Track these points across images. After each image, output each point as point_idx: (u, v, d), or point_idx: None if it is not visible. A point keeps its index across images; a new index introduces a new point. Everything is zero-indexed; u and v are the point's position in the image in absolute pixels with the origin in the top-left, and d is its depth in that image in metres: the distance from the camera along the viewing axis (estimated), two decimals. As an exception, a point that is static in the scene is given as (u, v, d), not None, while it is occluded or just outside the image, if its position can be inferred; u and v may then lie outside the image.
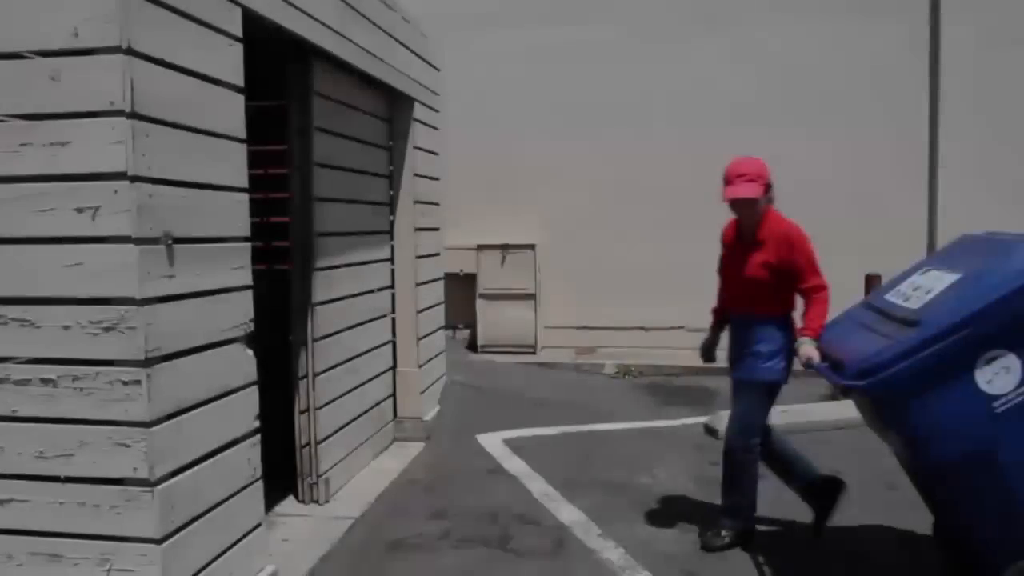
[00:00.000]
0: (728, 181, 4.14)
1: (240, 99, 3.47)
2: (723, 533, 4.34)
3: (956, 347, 3.32)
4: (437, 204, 6.76)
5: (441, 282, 6.99)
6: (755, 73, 9.74)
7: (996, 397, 3.33)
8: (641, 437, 6.51)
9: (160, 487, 2.93)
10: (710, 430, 6.54)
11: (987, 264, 3.55)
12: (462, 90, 8.89)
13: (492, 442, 6.22)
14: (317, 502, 4.89)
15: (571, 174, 10.03)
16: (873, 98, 9.54)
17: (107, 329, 2.85)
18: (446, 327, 7.18)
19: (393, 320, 6.15)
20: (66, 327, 2.87)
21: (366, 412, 5.61)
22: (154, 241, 2.90)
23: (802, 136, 9.64)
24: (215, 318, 3.30)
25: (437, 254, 6.78)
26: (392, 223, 6.14)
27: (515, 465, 5.71)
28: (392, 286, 6.14)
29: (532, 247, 9.81)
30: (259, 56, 3.98)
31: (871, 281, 7.55)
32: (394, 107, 6.11)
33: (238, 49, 3.45)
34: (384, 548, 4.35)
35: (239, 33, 3.45)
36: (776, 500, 4.65)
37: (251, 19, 3.58)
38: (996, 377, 3.33)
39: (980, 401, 3.33)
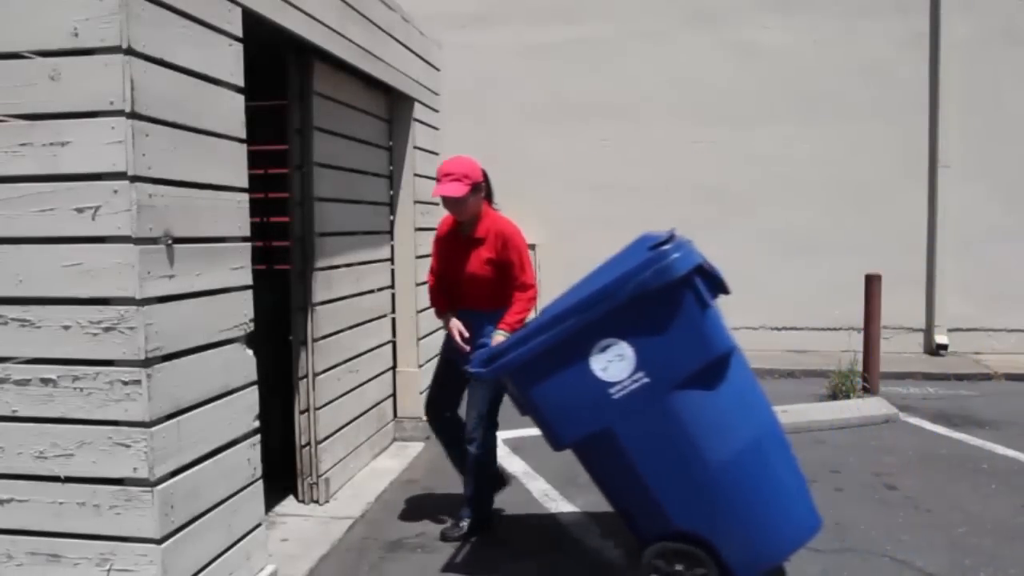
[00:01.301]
0: (438, 179, 4.31)
1: (240, 99, 3.47)
2: (461, 524, 4.47)
3: (568, 334, 3.45)
4: (437, 204, 6.75)
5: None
6: (754, 72, 9.74)
7: (612, 384, 3.46)
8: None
9: (160, 487, 2.93)
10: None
11: (613, 258, 3.77)
12: (460, 89, 8.89)
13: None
14: (317, 502, 4.89)
15: (570, 173, 10.04)
16: (872, 97, 9.55)
17: (107, 329, 2.85)
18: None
19: (393, 320, 6.15)
20: (66, 327, 2.87)
21: (366, 412, 5.61)
22: (154, 241, 2.90)
23: (801, 135, 9.65)
24: (215, 318, 3.30)
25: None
26: (392, 223, 6.14)
27: (515, 465, 5.71)
28: (392, 286, 6.14)
29: (532, 247, 9.79)
30: (259, 56, 3.99)
31: (871, 281, 7.55)
32: (394, 107, 6.11)
33: (238, 49, 3.45)
34: (384, 548, 4.35)
35: (239, 33, 3.45)
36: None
37: (251, 19, 3.58)
38: (611, 365, 3.45)
39: (598, 387, 3.46)
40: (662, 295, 3.37)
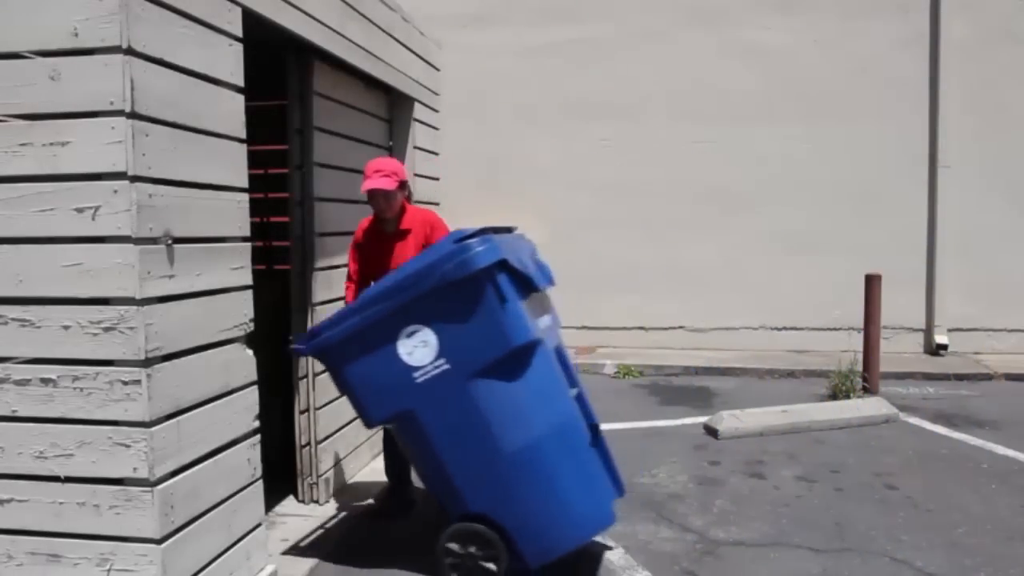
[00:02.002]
0: (366, 176, 4.38)
1: (240, 99, 3.47)
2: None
3: (378, 318, 3.64)
4: (437, 204, 6.76)
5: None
6: (754, 72, 9.74)
7: (416, 368, 3.65)
8: (641, 437, 6.51)
9: (160, 487, 2.93)
10: (710, 430, 6.54)
11: (429, 248, 3.98)
12: (461, 89, 8.89)
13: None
14: (317, 502, 4.89)
15: (571, 174, 10.03)
16: (873, 97, 9.55)
17: (107, 329, 2.85)
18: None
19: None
20: (66, 327, 2.88)
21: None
22: (154, 241, 2.90)
23: (802, 135, 9.65)
24: (215, 318, 3.30)
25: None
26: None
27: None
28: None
29: (532, 247, 9.81)
30: (259, 56, 3.99)
31: (871, 281, 7.55)
32: (394, 107, 6.11)
33: (238, 49, 3.45)
34: (384, 548, 4.35)
35: (239, 33, 3.45)
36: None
37: (251, 19, 3.58)
38: (416, 350, 3.64)
39: (403, 370, 3.65)
40: (464, 286, 3.56)
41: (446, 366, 3.61)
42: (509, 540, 3.67)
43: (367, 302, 3.69)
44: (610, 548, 4.35)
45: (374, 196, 4.40)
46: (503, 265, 3.58)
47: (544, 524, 3.67)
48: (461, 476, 3.70)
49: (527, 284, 3.72)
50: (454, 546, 3.74)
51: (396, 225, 4.49)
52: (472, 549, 3.72)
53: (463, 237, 3.64)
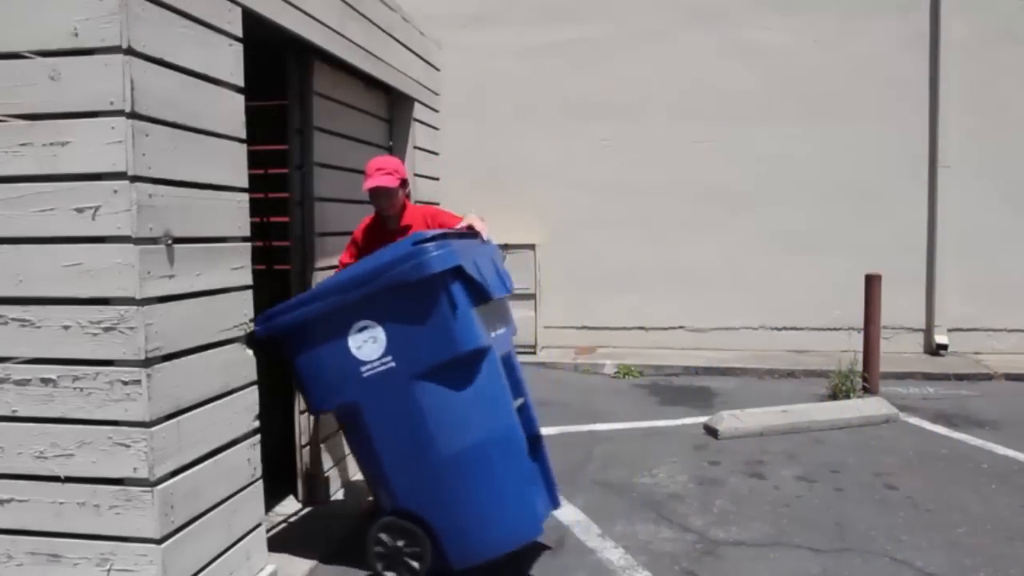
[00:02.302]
0: (368, 175, 4.41)
1: (240, 99, 3.47)
2: None
3: (332, 309, 3.71)
4: (438, 204, 6.76)
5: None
6: (754, 71, 9.75)
7: (363, 363, 3.71)
8: (641, 437, 6.51)
9: (160, 487, 2.93)
10: (710, 430, 6.54)
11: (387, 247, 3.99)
12: (461, 89, 8.89)
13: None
14: (317, 502, 4.89)
15: (571, 174, 10.04)
16: (873, 97, 9.55)
17: (107, 329, 2.85)
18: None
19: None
20: (66, 327, 2.88)
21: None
22: (154, 241, 2.90)
23: (802, 135, 9.65)
24: (215, 318, 3.30)
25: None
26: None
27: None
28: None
29: (532, 247, 9.81)
30: (259, 56, 3.98)
31: (871, 281, 7.55)
32: (394, 107, 6.10)
33: (238, 49, 3.45)
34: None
35: (239, 33, 3.45)
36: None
37: (251, 19, 3.58)
38: (365, 345, 3.71)
39: (351, 363, 3.72)
40: (417, 288, 3.60)
41: (392, 364, 3.67)
42: (435, 539, 3.74)
43: (323, 292, 3.77)
44: (610, 548, 4.36)
45: (376, 194, 4.41)
46: (458, 272, 3.64)
47: (469, 528, 3.73)
48: (395, 472, 3.76)
49: (481, 292, 3.76)
50: (384, 537, 3.81)
51: (397, 222, 4.51)
52: (400, 543, 3.79)
53: (421, 240, 3.69)
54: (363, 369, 3.70)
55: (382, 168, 4.40)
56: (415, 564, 3.78)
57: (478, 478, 3.71)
